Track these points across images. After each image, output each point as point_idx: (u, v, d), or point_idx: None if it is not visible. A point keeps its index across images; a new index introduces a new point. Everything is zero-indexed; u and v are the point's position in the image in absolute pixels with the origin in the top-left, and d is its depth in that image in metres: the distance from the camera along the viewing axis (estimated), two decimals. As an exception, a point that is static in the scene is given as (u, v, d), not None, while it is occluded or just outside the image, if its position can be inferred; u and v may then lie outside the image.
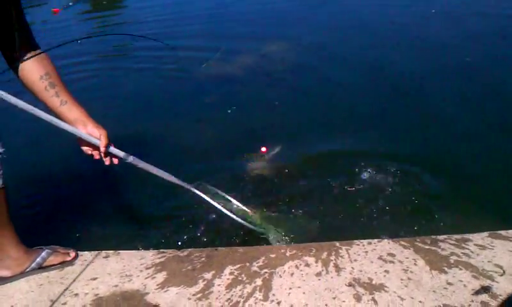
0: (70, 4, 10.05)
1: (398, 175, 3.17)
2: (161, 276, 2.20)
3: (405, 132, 3.78)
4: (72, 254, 2.36)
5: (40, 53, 2.01)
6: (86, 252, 2.42)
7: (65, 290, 2.16)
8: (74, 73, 5.39)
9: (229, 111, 4.20)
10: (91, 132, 2.10)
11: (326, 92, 4.56)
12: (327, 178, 3.20)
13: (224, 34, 6.60)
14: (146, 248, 2.57)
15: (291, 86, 4.71)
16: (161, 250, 2.42)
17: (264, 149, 3.47)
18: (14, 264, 2.24)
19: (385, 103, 4.22)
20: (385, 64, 4.97)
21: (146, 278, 2.20)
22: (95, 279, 2.22)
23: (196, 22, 7.40)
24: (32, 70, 2.00)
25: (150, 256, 2.38)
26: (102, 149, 2.11)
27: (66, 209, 3.19)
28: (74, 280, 2.22)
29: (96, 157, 2.17)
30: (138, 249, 2.56)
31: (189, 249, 2.40)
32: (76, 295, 2.13)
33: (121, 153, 2.22)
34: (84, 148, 2.16)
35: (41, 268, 2.29)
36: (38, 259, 2.29)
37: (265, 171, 3.37)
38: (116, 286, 2.17)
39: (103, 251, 2.45)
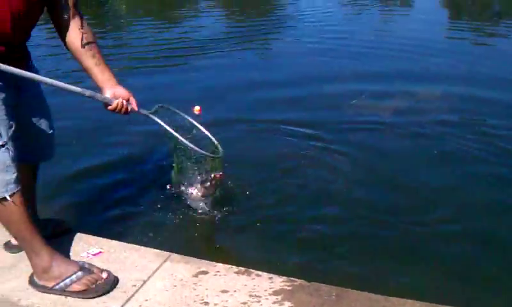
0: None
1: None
2: (288, 305, 2.20)
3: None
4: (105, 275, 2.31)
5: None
6: (220, 264, 2.50)
7: (196, 296, 2.25)
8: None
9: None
10: (120, 93, 2.33)
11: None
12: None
13: (376, 72, 6.51)
14: (277, 272, 2.55)
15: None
16: (291, 278, 2.40)
17: (197, 108, 3.05)
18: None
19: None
20: None
21: (274, 303, 2.21)
22: (225, 291, 2.28)
23: (347, 56, 7.40)
24: (77, 37, 2.28)
25: (279, 281, 2.37)
26: (135, 108, 2.38)
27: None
28: (207, 288, 2.30)
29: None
30: (268, 272, 2.55)
31: (320, 284, 2.36)
32: (206, 303, 2.20)
33: (144, 111, 2.47)
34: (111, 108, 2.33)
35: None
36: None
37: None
38: (245, 304, 2.20)
39: (234, 266, 2.50)
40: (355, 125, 4.80)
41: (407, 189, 3.66)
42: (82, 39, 2.27)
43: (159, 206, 3.41)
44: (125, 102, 2.32)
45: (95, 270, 2.29)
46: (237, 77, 6.46)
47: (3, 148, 2.13)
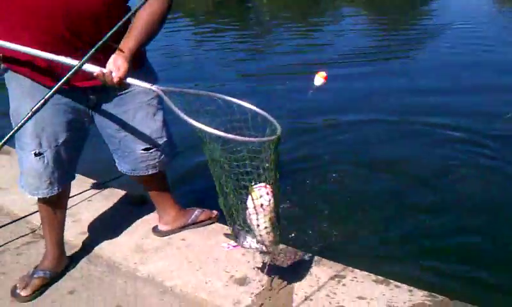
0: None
1: None
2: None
3: None
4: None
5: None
6: (357, 270, 2.43)
7: (332, 298, 2.22)
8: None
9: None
10: (115, 63, 2.01)
11: None
12: None
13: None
14: (417, 285, 2.42)
15: None
16: (433, 293, 2.27)
17: (323, 74, 2.30)
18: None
19: None
20: None
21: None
22: (362, 298, 2.24)
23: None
24: (144, 15, 2.05)
25: (420, 294, 2.25)
26: (115, 79, 2.00)
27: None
28: (343, 293, 2.27)
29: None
30: (408, 283, 2.43)
31: (465, 304, 2.21)
32: (343, 307, 2.18)
33: (138, 82, 2.07)
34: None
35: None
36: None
37: None
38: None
39: (373, 274, 2.41)
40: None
41: None
42: (144, 19, 2.08)
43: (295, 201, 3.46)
44: (105, 71, 2.01)
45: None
46: (384, 83, 6.26)
47: (39, 156, 2.24)
